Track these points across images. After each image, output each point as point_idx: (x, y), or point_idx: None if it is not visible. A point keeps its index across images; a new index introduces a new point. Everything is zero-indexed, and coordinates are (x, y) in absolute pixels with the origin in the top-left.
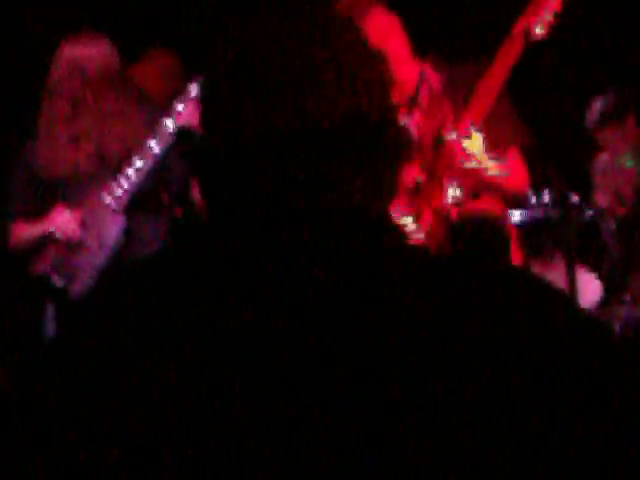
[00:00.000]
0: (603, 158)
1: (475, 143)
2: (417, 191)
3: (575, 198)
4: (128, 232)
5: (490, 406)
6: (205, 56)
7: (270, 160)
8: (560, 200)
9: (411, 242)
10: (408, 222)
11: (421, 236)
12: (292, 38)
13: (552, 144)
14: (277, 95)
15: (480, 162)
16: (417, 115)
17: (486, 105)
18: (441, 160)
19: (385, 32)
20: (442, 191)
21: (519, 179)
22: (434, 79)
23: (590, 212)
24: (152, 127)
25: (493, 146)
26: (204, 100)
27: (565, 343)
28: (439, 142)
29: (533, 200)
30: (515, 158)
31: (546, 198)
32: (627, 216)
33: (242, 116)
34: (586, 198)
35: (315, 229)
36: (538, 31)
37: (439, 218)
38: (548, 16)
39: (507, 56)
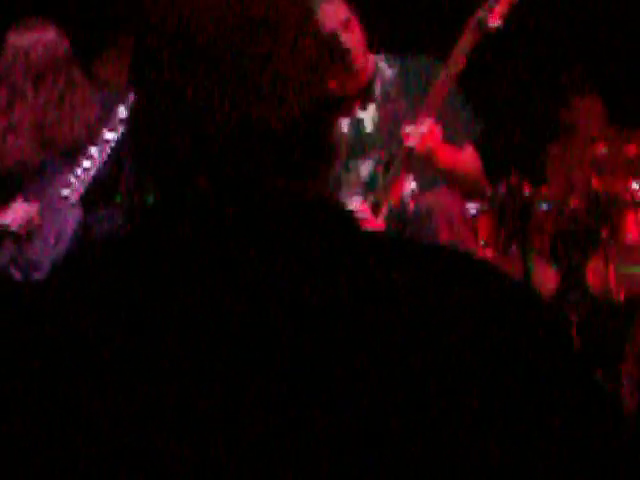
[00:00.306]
0: (558, 147)
1: (430, 133)
2: (374, 184)
3: (530, 189)
4: (85, 224)
5: (458, 396)
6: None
7: (216, 153)
8: (515, 192)
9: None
10: (363, 214)
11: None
12: (239, 29)
13: (506, 136)
14: (220, 91)
15: (434, 150)
16: (371, 108)
17: (441, 96)
18: (399, 153)
19: (342, 23)
20: (400, 184)
21: (474, 171)
22: (387, 71)
23: (544, 203)
24: (106, 115)
25: (448, 140)
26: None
27: (520, 328)
28: (397, 135)
29: (488, 192)
30: (470, 152)
31: (501, 190)
32: (581, 207)
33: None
34: (540, 188)
35: (264, 215)
36: (492, 22)
37: (396, 210)
38: (503, 8)
39: (462, 47)
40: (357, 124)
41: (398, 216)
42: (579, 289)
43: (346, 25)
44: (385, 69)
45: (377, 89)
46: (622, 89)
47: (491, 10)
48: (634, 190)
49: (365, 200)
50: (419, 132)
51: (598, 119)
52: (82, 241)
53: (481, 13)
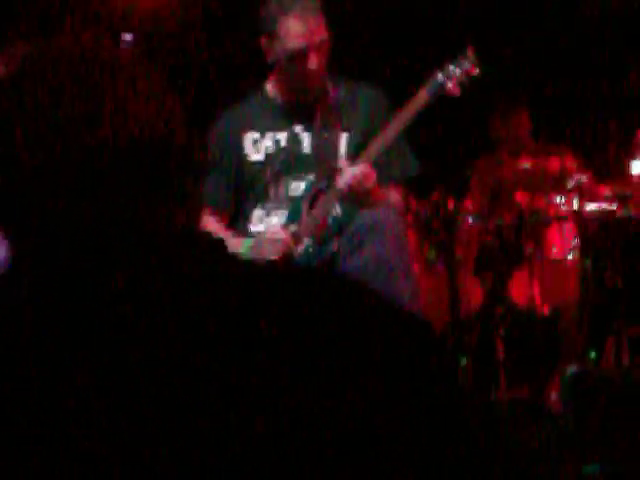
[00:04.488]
0: (484, 161)
1: (363, 177)
2: (299, 210)
3: (455, 204)
4: None
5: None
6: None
7: (76, 183)
8: (441, 205)
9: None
10: (279, 235)
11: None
12: (85, 63)
13: (431, 150)
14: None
15: (363, 194)
16: (313, 129)
17: (385, 145)
18: (328, 190)
19: (306, 42)
20: (324, 222)
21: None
22: (332, 94)
23: (470, 216)
24: None
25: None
26: None
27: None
28: (334, 167)
29: (415, 206)
30: (395, 195)
31: (427, 203)
32: (505, 221)
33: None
34: (466, 202)
35: (130, 249)
36: (450, 90)
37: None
38: (462, 77)
39: (414, 105)
40: (296, 141)
41: (317, 252)
42: (504, 303)
43: (309, 44)
44: (330, 92)
45: (320, 111)
46: (545, 104)
47: (450, 77)
48: (558, 204)
49: (287, 226)
50: (353, 174)
51: (522, 134)
52: None
53: (440, 77)
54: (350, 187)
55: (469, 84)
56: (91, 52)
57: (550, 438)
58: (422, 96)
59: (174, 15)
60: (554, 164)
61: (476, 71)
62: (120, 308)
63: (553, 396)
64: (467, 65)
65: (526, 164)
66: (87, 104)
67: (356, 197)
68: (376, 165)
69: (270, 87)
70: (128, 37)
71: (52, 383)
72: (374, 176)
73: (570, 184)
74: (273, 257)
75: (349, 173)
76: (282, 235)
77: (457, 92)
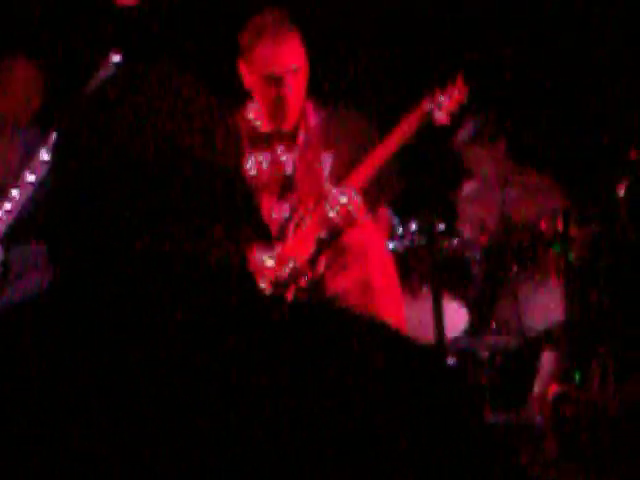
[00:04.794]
0: (468, 187)
1: (352, 202)
2: (284, 232)
3: (441, 227)
4: (6, 263)
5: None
6: (66, 104)
7: (130, 207)
8: (426, 229)
9: (261, 291)
10: (269, 261)
11: (283, 272)
12: (157, 106)
13: (417, 174)
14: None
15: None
16: (296, 151)
17: (371, 172)
18: (313, 215)
19: (289, 69)
20: (308, 245)
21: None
22: (313, 117)
23: (455, 241)
24: (28, 157)
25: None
26: (57, 146)
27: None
28: (319, 189)
29: (400, 230)
30: (383, 215)
31: (412, 227)
32: (491, 245)
33: (97, 166)
34: (451, 227)
35: (165, 276)
36: (439, 119)
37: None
38: (452, 106)
39: (401, 132)
40: (278, 163)
41: (303, 274)
42: (489, 327)
43: (284, 70)
44: (311, 115)
45: (301, 134)
46: (525, 130)
47: (440, 106)
48: (544, 228)
49: (271, 247)
50: (340, 201)
51: (502, 163)
52: (2, 280)
53: (428, 106)
54: (337, 213)
55: (458, 113)
56: (167, 85)
57: (534, 461)
58: (410, 125)
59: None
60: (541, 188)
61: (465, 100)
62: (176, 343)
63: (537, 419)
64: (456, 94)
65: (513, 188)
66: (170, 136)
67: (342, 222)
68: (362, 190)
69: (249, 110)
70: (116, 58)
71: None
72: (360, 201)
73: (554, 207)
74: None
75: (336, 199)
76: (268, 263)
77: (446, 121)
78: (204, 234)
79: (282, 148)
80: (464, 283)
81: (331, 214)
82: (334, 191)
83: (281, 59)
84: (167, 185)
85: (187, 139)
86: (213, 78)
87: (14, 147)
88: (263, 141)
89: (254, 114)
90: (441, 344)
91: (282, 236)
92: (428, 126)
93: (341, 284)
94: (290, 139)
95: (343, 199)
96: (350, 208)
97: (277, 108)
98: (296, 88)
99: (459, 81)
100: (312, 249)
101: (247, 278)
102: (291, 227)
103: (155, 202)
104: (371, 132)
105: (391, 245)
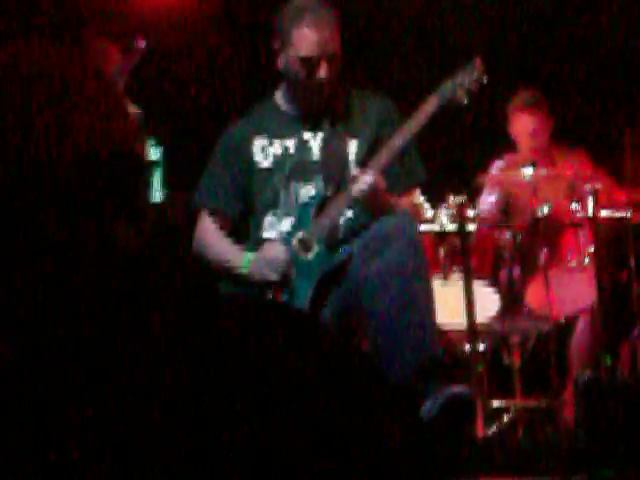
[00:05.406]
0: (497, 166)
1: (375, 184)
2: (308, 215)
3: (471, 212)
4: None
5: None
6: None
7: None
8: (456, 214)
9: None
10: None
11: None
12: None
13: (447, 156)
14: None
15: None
16: (319, 136)
17: (395, 153)
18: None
19: (319, 52)
20: (334, 228)
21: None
22: (339, 103)
23: (485, 225)
24: None
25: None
26: None
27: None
28: (344, 173)
29: (430, 213)
30: (407, 201)
31: (442, 212)
32: (522, 228)
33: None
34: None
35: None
36: (459, 99)
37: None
38: (473, 85)
39: (423, 113)
40: (304, 148)
41: (328, 258)
42: (520, 311)
43: (322, 54)
44: (339, 101)
45: (328, 119)
46: (561, 108)
47: (459, 86)
48: (573, 211)
49: (296, 232)
50: (364, 181)
51: (538, 139)
52: None
53: (449, 86)
54: (364, 195)
55: (477, 93)
56: (41, 64)
57: (564, 445)
58: (431, 105)
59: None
60: (570, 170)
61: (484, 80)
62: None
63: (567, 403)
64: (476, 74)
65: (542, 170)
66: (39, 118)
67: (368, 204)
68: (385, 173)
69: (280, 95)
70: (142, 44)
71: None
72: (384, 184)
73: (585, 190)
74: (272, 278)
75: (362, 181)
76: (282, 256)
77: (465, 101)
78: (88, 216)
79: (309, 134)
80: (495, 267)
81: (359, 196)
82: (360, 173)
83: (321, 43)
84: (47, 168)
85: (68, 120)
86: (244, 66)
87: None
88: (290, 125)
89: (283, 98)
90: (472, 328)
91: (307, 221)
92: (449, 106)
93: (372, 269)
94: (317, 124)
95: (370, 181)
96: (375, 190)
97: (309, 92)
98: (331, 73)
99: (478, 61)
100: (337, 233)
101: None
102: (315, 211)
103: (36, 186)
104: (394, 114)
105: (421, 228)
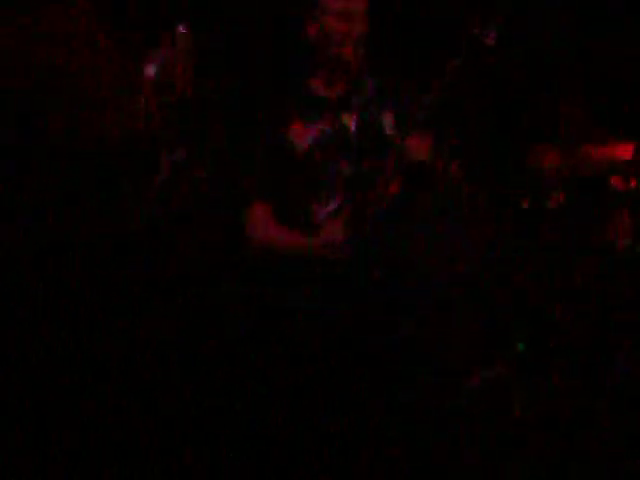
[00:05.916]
0: (540, 149)
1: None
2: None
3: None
4: None
5: None
6: None
7: None
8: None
9: None
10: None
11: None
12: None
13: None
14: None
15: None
16: (355, 114)
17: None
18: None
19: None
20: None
21: None
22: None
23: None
24: None
25: None
26: None
27: None
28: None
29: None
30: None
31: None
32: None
33: None
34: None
35: None
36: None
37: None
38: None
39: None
40: (342, 126)
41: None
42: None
43: (346, 17)
44: (369, 80)
45: (358, 98)
46: (604, 92)
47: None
48: (614, 184)
49: (341, 209)
50: (409, 154)
51: (583, 121)
52: None
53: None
54: (407, 166)
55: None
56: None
57: None
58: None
59: None
60: (615, 151)
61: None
62: None
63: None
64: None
65: (589, 150)
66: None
67: (414, 169)
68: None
69: (312, 79)
70: (182, 29)
71: None
72: (426, 146)
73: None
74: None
75: (403, 148)
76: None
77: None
78: None
79: (345, 112)
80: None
81: (402, 162)
82: (400, 142)
83: (352, 14)
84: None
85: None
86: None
87: None
88: (324, 107)
89: (316, 82)
90: None
91: (352, 196)
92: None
93: (417, 242)
94: (348, 103)
95: (410, 146)
96: (419, 154)
97: (338, 68)
98: (358, 48)
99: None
100: (383, 206)
101: None
102: (359, 186)
103: None
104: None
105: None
